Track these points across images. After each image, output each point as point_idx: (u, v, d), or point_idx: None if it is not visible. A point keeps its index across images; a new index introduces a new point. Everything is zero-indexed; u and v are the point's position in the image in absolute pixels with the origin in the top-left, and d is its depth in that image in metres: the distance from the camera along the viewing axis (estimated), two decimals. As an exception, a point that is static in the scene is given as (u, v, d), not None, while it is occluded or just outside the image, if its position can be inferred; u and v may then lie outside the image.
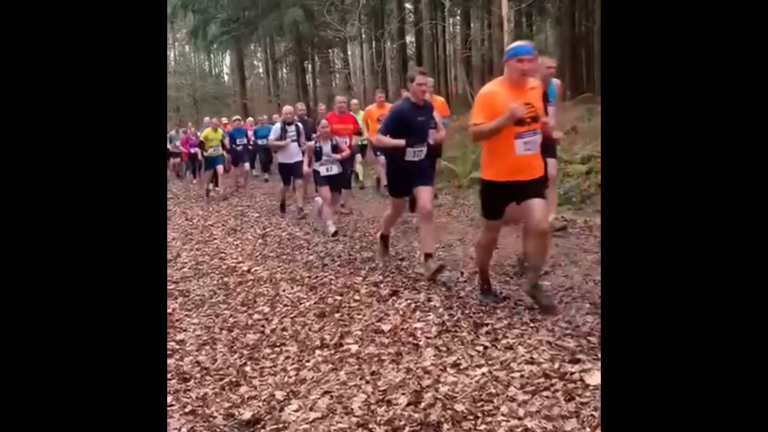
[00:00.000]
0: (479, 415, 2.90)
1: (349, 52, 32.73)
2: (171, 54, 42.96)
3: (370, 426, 2.95)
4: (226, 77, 42.62)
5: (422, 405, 3.06)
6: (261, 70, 40.06)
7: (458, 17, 27.01)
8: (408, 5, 26.39)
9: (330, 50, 31.51)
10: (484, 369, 3.36)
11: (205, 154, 13.26)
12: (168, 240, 8.39)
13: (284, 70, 36.79)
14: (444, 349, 3.73)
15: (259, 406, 3.27)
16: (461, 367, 3.45)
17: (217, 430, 3.11)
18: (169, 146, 17.33)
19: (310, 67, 31.56)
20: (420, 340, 3.90)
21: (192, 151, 16.19)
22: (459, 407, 2.99)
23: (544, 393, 2.98)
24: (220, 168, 13.07)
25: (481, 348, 3.66)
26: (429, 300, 4.62)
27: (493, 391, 3.10)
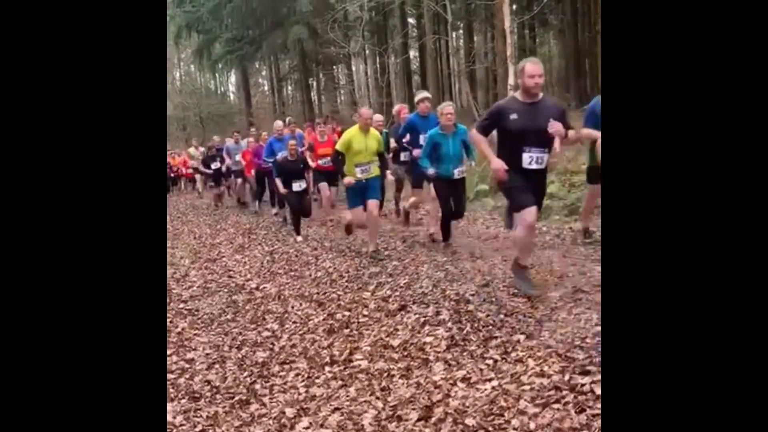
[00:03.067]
0: (490, 429, 2.90)
1: (354, 68, 32.89)
2: (176, 74, 43.34)
3: (381, 442, 2.95)
4: (231, 96, 42.89)
5: (433, 420, 3.06)
6: (266, 88, 40.27)
7: (461, 31, 27.10)
8: (411, 20, 26.53)
9: (334, 66, 31.65)
10: (494, 382, 3.36)
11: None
12: (177, 259, 8.43)
13: (289, 88, 37.01)
14: (454, 363, 3.72)
15: (269, 424, 3.27)
16: (471, 381, 3.44)
17: (228, 448, 3.11)
18: (218, 164, 14.40)
19: (314, 83, 31.72)
20: (429, 355, 3.90)
21: (264, 164, 10.85)
22: (470, 421, 2.98)
23: (555, 405, 2.97)
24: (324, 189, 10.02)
25: (490, 361, 3.65)
26: (438, 314, 4.61)
27: (504, 404, 3.09)
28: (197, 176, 18.79)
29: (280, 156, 9.56)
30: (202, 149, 17.54)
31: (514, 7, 20.83)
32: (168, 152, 22.30)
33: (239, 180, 13.62)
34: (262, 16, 25.80)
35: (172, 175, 21.83)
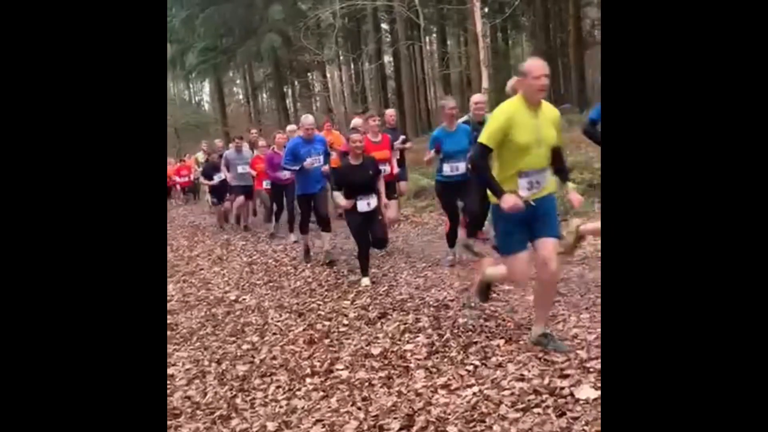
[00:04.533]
0: (472, 435, 2.90)
1: (328, 75, 32.91)
2: (150, 85, 42.96)
3: (364, 453, 2.94)
4: (206, 105, 42.70)
5: (415, 429, 3.06)
6: (241, 97, 40.20)
7: (434, 35, 27.26)
8: (384, 25, 26.63)
9: (309, 74, 31.66)
10: (475, 388, 3.37)
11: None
12: (154, 273, 8.35)
13: (264, 96, 36.93)
14: (434, 370, 3.73)
15: (251, 439, 3.25)
16: (452, 387, 3.45)
17: (210, 465, 3.09)
18: (226, 174, 10.98)
19: (289, 91, 31.69)
20: (410, 362, 3.90)
21: (282, 175, 8.70)
22: (451, 429, 2.99)
23: (536, 410, 2.99)
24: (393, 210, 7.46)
25: (471, 367, 3.66)
26: (417, 321, 4.62)
27: (485, 410, 3.10)
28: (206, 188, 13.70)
29: (337, 161, 6.91)
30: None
31: (486, 10, 20.99)
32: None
33: (241, 198, 10.88)
34: (234, 25, 25.74)
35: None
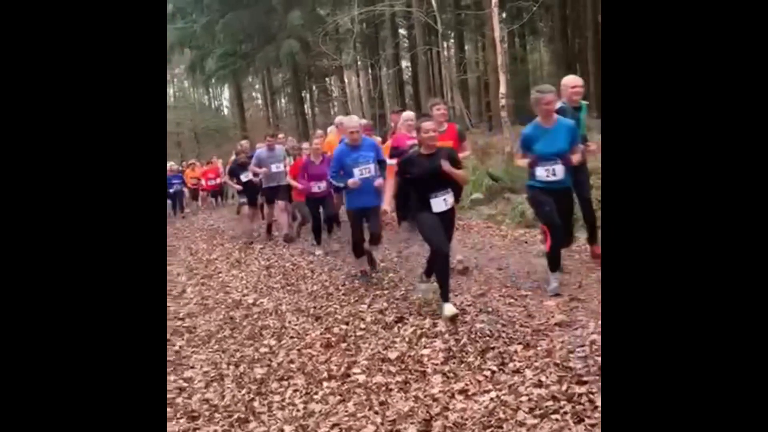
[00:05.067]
0: (489, 441, 2.89)
1: (346, 80, 33.02)
2: (170, 90, 43.40)
3: (380, 457, 2.94)
4: (225, 110, 42.97)
5: (431, 433, 3.06)
6: (260, 102, 40.41)
7: (452, 41, 27.24)
8: (402, 31, 26.68)
9: (327, 79, 31.79)
10: (492, 394, 3.36)
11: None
12: (173, 276, 8.42)
13: (282, 100, 37.11)
14: (452, 375, 3.72)
15: (268, 442, 3.26)
16: (469, 393, 3.45)
17: (228, 468, 3.10)
18: (250, 174, 10.10)
19: (307, 96, 31.82)
20: (427, 367, 3.90)
21: (317, 189, 8.19)
22: (468, 434, 2.98)
23: (553, 416, 2.97)
24: None
25: (488, 372, 3.65)
26: (434, 326, 4.61)
27: (502, 416, 3.09)
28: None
29: (411, 151, 5.53)
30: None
31: (504, 15, 20.95)
32: (185, 163, 21.07)
33: (280, 202, 9.70)
34: (253, 30, 25.94)
35: (189, 187, 18.86)
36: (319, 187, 8.14)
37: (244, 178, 10.54)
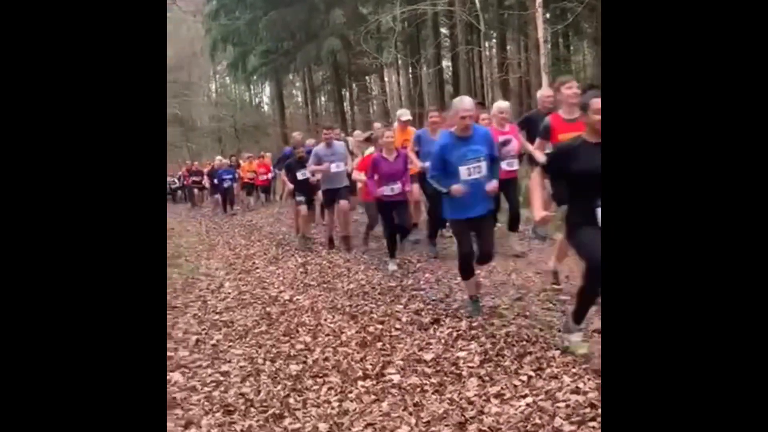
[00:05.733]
0: (524, 447, 2.86)
1: (386, 79, 33.00)
2: (212, 86, 44.04)
3: (414, 459, 2.93)
4: (266, 107, 43.35)
5: (466, 437, 3.03)
6: (300, 99, 40.64)
7: (494, 41, 27.03)
8: (444, 30, 26.55)
9: (367, 77, 31.84)
10: (529, 399, 3.32)
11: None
12: (212, 270, 8.53)
13: (322, 98, 37.27)
14: (487, 378, 3.69)
15: (302, 439, 3.27)
16: (505, 397, 3.41)
17: (262, 463, 3.12)
18: (307, 172, 9.08)
19: (347, 94, 31.91)
20: (463, 370, 3.87)
21: (389, 192, 6.96)
22: (504, 439, 2.95)
23: (591, 423, 2.93)
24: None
25: (525, 377, 3.62)
26: (471, 328, 4.59)
27: (539, 421, 3.05)
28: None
29: (571, 139, 3.88)
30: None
31: (548, 16, 20.71)
32: (242, 156, 20.31)
33: (342, 201, 8.68)
34: (296, 28, 26.12)
35: (244, 182, 18.08)
36: (392, 189, 6.80)
37: (300, 176, 9.32)
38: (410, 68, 26.77)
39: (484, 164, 4.77)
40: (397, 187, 6.75)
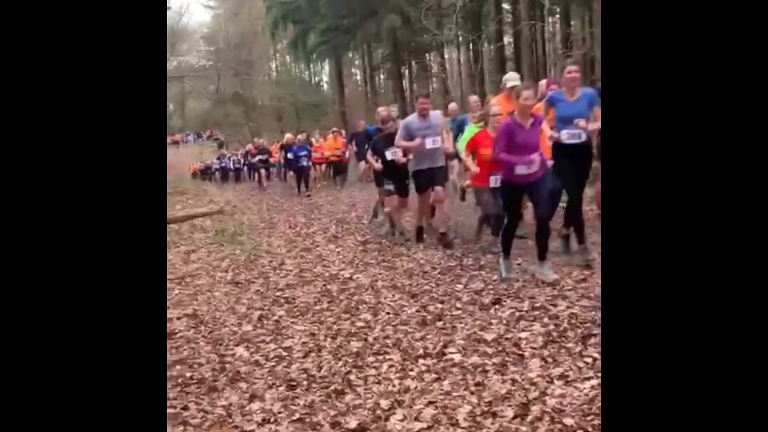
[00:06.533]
0: (590, 429, 2.82)
1: (446, 56, 32.69)
2: (272, 65, 44.53)
3: (476, 439, 2.92)
4: (325, 86, 43.59)
5: (529, 418, 3.00)
6: (359, 78, 40.71)
7: (557, 16, 26.39)
8: (506, 5, 26.07)
9: (427, 55, 31.61)
10: (594, 381, 3.26)
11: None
12: (273, 248, 8.65)
13: (381, 77, 37.21)
14: (551, 360, 3.65)
15: (364, 415, 3.30)
16: (569, 379, 3.36)
17: (325, 438, 3.16)
18: (397, 151, 7.49)
19: (407, 72, 31.75)
20: (525, 351, 3.83)
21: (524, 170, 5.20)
22: (568, 421, 2.91)
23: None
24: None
25: (589, 359, 3.55)
26: (533, 309, 4.53)
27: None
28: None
29: None
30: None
31: (615, -11, 20.05)
32: (317, 135, 18.44)
33: (438, 188, 7.16)
34: (356, 5, 26.06)
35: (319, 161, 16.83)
36: (528, 166, 5.18)
37: (389, 155, 7.61)
38: (471, 45, 26.41)
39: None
40: (535, 164, 5.18)
